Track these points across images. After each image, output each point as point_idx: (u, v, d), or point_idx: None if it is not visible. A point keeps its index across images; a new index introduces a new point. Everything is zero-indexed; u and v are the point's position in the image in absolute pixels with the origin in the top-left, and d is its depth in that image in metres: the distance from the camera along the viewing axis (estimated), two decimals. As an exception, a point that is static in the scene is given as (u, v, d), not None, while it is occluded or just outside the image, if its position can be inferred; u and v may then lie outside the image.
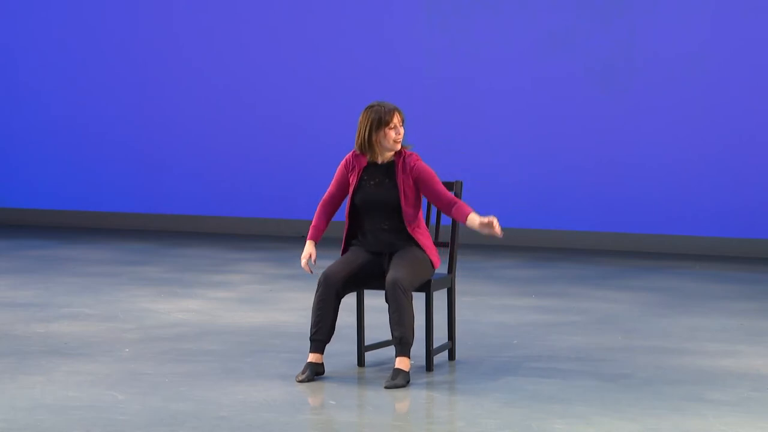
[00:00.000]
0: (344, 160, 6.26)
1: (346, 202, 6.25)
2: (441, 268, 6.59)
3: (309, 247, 6.23)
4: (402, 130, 6.16)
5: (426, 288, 6.15)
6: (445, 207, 6.16)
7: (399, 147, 6.17)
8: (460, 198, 6.39)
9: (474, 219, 6.04)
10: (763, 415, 5.30)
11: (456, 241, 6.45)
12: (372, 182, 6.19)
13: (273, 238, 12.73)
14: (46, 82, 13.97)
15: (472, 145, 12.28)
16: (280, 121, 13.13)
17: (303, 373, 5.97)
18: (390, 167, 6.18)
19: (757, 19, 11.33)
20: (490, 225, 5.97)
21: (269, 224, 13.17)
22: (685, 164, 11.60)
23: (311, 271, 6.23)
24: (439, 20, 12.39)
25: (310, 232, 6.27)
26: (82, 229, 13.49)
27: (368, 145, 6.15)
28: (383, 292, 6.00)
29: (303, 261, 6.22)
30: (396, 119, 6.13)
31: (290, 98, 13.03)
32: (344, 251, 6.24)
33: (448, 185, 6.41)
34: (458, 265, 9.81)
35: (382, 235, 6.17)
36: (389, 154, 6.19)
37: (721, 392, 5.72)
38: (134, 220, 13.70)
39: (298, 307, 8.15)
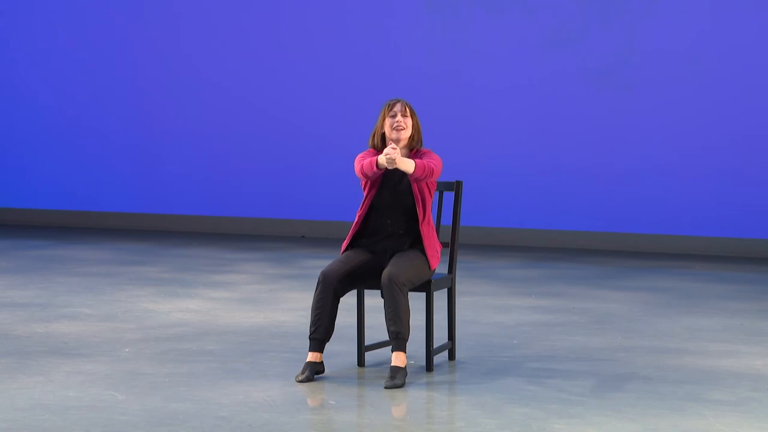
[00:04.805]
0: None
1: (363, 200, 6.18)
2: (441, 268, 6.59)
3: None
4: (401, 119, 6.12)
5: (426, 288, 6.14)
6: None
7: (399, 136, 6.12)
8: (460, 198, 6.39)
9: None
10: (763, 415, 5.29)
11: (456, 241, 6.44)
12: (391, 182, 6.15)
13: (273, 238, 12.72)
14: (47, 82, 13.96)
15: (472, 144, 12.27)
16: (281, 120, 13.12)
17: (302, 372, 5.95)
18: None
19: (756, 19, 11.33)
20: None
21: (269, 224, 13.17)
22: (685, 164, 11.60)
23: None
24: (439, 20, 12.38)
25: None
26: (82, 229, 13.49)
27: (381, 139, 6.14)
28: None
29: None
30: (398, 107, 6.12)
31: (290, 98, 13.03)
32: (345, 251, 6.21)
33: (448, 185, 6.41)
34: (458, 265, 9.80)
35: (387, 236, 6.14)
36: (402, 152, 6.14)
37: (721, 392, 5.72)
38: (134, 220, 13.70)
39: (298, 307, 8.14)
